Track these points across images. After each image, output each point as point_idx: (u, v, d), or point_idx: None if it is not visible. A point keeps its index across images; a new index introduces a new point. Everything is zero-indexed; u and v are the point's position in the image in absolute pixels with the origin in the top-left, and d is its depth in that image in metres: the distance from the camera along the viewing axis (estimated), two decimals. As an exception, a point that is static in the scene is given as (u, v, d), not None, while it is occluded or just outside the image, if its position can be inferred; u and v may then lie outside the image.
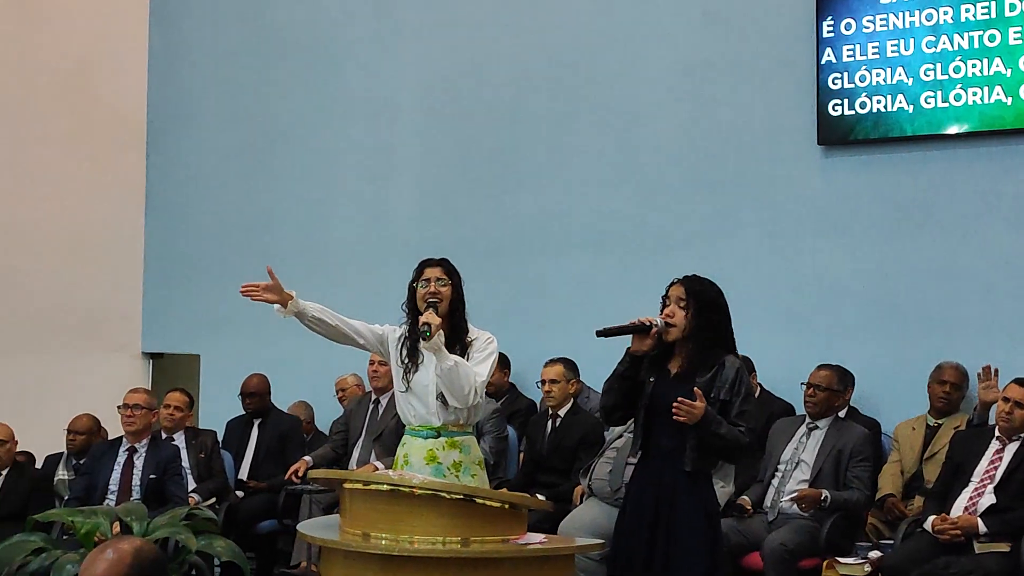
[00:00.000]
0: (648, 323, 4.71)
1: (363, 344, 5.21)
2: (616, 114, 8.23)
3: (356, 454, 7.58)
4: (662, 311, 4.79)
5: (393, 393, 7.27)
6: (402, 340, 5.09)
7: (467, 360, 4.93)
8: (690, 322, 4.72)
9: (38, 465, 7.99)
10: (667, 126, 8.02)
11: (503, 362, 7.67)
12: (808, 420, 6.48)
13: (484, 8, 8.83)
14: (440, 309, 4.93)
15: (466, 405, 4.90)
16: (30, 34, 9.60)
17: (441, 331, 4.84)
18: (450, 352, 4.88)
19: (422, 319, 4.86)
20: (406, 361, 5.03)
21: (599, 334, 4.75)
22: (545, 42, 8.54)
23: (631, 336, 4.75)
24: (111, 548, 2.91)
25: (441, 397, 4.92)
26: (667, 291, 4.82)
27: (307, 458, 7.66)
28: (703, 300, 4.77)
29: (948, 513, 5.69)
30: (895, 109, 7.14)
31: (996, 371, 6.30)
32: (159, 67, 10.40)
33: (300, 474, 7.47)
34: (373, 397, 7.75)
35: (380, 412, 7.60)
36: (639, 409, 4.79)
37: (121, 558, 2.87)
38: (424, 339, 4.82)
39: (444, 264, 5.09)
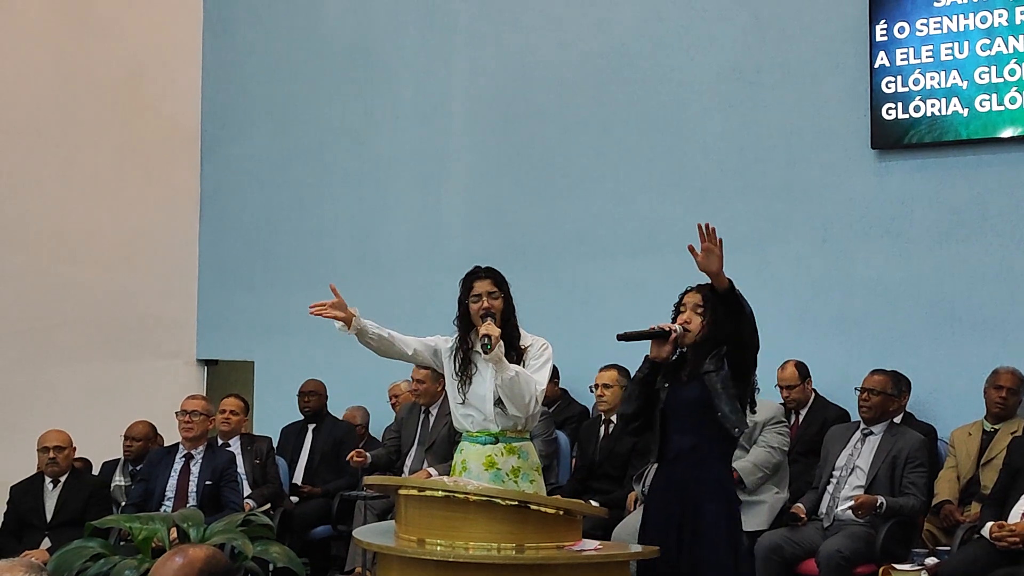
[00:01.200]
0: (668, 329, 4.79)
1: (417, 360, 5.27)
2: (666, 119, 8.21)
3: (408, 463, 7.60)
4: (675, 318, 4.85)
5: (441, 403, 7.36)
6: (454, 353, 5.12)
7: (523, 367, 4.95)
8: (706, 327, 4.78)
9: (95, 471, 8.05)
10: (717, 131, 8.01)
11: (553, 373, 7.66)
12: (863, 426, 6.43)
13: (534, 15, 8.84)
14: (495, 322, 4.95)
15: (527, 414, 4.95)
16: (84, 44, 9.70)
17: (501, 342, 4.86)
18: (507, 359, 4.90)
19: (482, 331, 4.89)
20: (460, 375, 5.06)
21: (619, 338, 4.81)
22: (594, 48, 8.54)
23: (651, 342, 4.83)
24: (181, 554, 2.91)
25: (499, 403, 4.94)
26: (681, 298, 4.88)
27: (367, 453, 7.65)
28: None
29: (1006, 520, 5.63)
30: (949, 113, 7.09)
31: None
32: (212, 76, 10.50)
33: (360, 458, 7.43)
34: (423, 408, 7.75)
35: (431, 422, 7.61)
36: (655, 416, 4.85)
37: (192, 563, 2.88)
38: (486, 352, 4.85)
39: (492, 275, 5.10)
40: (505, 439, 4.98)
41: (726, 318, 4.69)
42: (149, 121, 10.14)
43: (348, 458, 7.52)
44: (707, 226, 4.60)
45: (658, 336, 4.80)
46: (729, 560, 4.67)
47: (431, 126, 9.29)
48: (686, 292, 4.88)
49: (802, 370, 7.16)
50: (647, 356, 4.87)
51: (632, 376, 4.97)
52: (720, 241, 4.60)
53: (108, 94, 9.84)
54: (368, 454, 7.60)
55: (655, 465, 4.94)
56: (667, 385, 4.84)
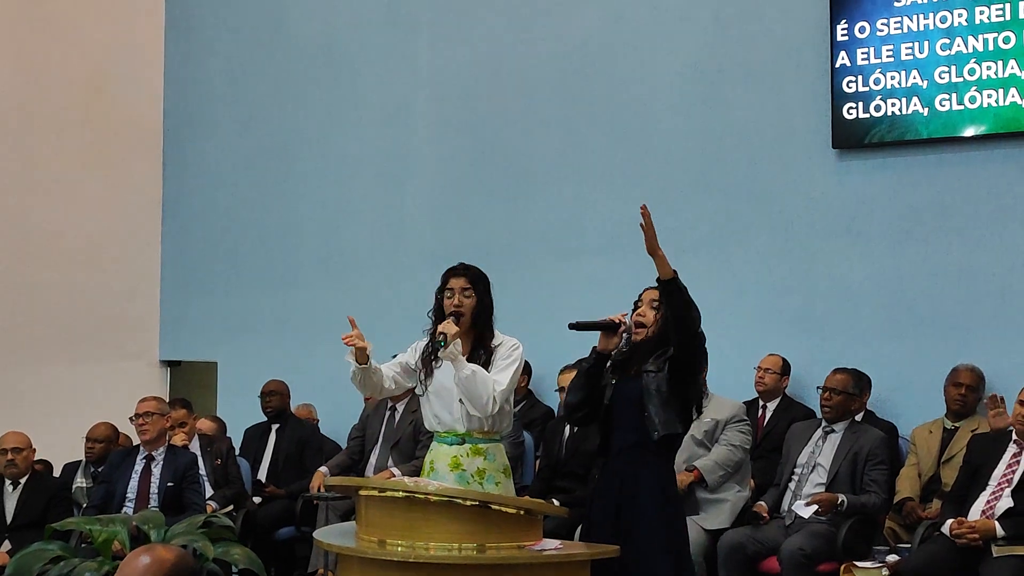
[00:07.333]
0: (618, 321, 4.88)
1: (400, 388, 5.22)
2: (628, 119, 8.22)
3: (373, 461, 7.58)
4: (633, 312, 4.91)
5: (408, 400, 7.36)
6: (423, 347, 5.11)
7: (490, 367, 4.94)
8: (659, 323, 4.82)
9: (56, 473, 8.01)
10: (680, 131, 8.02)
11: (525, 369, 7.64)
12: (824, 424, 6.47)
13: (497, 15, 8.84)
14: (463, 320, 4.95)
15: (485, 414, 4.90)
16: (47, 44, 9.64)
17: (458, 340, 4.86)
18: (475, 359, 4.92)
19: (439, 328, 4.88)
20: (420, 367, 5.06)
21: (571, 326, 4.89)
22: (558, 48, 8.55)
23: (599, 334, 4.90)
24: (149, 553, 2.86)
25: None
26: (640, 296, 4.92)
27: (323, 469, 7.67)
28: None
29: (966, 517, 5.66)
30: (910, 112, 7.13)
31: (1003, 399, 6.23)
32: (175, 76, 10.45)
33: (320, 488, 7.46)
34: (389, 404, 7.73)
35: (396, 419, 7.59)
36: (603, 411, 4.90)
37: (161, 563, 2.82)
38: (441, 348, 4.84)
39: (468, 274, 5.08)
40: (472, 440, 4.96)
41: (670, 314, 4.71)
42: (111, 122, 10.09)
43: (310, 492, 7.51)
44: (642, 207, 4.67)
45: (607, 328, 4.89)
46: (664, 562, 4.68)
47: (394, 126, 9.28)
48: (646, 289, 4.90)
49: (785, 365, 7.23)
50: (594, 347, 4.93)
51: (579, 368, 5.06)
52: (648, 215, 4.66)
53: (70, 95, 9.79)
54: (324, 469, 7.65)
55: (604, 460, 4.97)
56: (614, 381, 4.88)
